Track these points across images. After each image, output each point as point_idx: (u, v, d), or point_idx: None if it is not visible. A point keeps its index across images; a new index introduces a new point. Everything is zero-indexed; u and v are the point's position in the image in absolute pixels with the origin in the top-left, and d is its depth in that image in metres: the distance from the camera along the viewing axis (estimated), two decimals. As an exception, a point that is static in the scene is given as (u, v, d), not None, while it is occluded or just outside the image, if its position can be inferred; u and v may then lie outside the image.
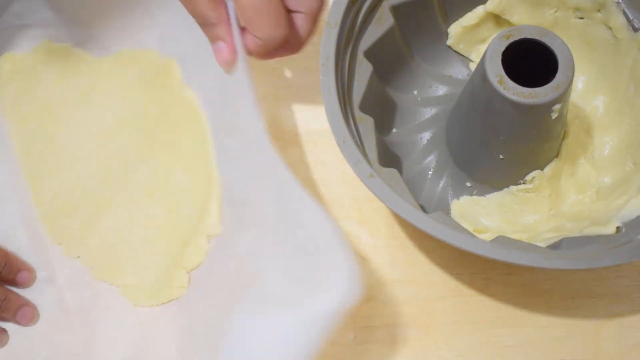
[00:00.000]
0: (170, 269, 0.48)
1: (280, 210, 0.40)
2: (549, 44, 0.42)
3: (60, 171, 0.52)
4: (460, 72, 0.54)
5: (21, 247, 0.49)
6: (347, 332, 0.47)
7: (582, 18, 0.50)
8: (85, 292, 0.48)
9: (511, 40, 0.43)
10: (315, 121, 0.54)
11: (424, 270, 0.49)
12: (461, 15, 0.52)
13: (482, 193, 0.50)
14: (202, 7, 0.39)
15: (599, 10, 0.49)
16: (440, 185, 0.50)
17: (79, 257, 0.49)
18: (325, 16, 0.45)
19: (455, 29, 0.52)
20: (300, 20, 0.41)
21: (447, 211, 0.49)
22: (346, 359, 0.47)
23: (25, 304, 0.47)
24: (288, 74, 0.56)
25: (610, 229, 0.43)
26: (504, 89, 0.42)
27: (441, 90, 0.53)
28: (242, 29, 0.40)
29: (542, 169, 0.48)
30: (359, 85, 0.46)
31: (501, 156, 0.46)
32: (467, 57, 0.54)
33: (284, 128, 0.54)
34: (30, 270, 0.48)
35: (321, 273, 0.37)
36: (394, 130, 0.51)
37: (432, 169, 0.51)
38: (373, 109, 0.47)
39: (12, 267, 0.47)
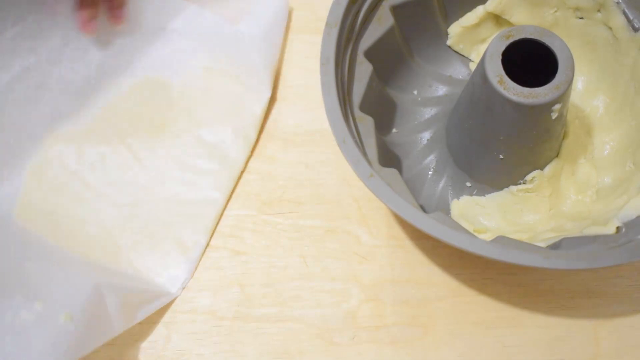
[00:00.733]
0: None
1: None
2: (549, 44, 0.42)
3: None
4: (460, 72, 0.54)
5: None
6: (347, 332, 0.47)
7: (582, 18, 0.50)
8: None
9: (511, 40, 0.43)
10: (315, 121, 0.54)
11: (424, 270, 0.49)
12: (461, 15, 0.52)
13: (482, 193, 0.50)
14: None
15: (599, 10, 0.49)
16: (440, 185, 0.50)
17: None
18: (325, 16, 0.45)
19: (455, 29, 0.52)
20: None
21: (447, 211, 0.49)
22: (346, 359, 0.47)
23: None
24: (288, 74, 0.56)
25: (610, 229, 0.43)
26: (504, 89, 0.42)
27: (441, 90, 0.53)
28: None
29: (542, 169, 0.48)
30: (359, 85, 0.46)
31: (501, 156, 0.46)
32: (467, 57, 0.54)
33: (284, 128, 0.54)
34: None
35: None
36: (394, 130, 0.51)
37: (432, 169, 0.51)
38: (373, 109, 0.47)
39: None
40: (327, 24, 0.45)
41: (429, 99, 0.53)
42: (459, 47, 0.53)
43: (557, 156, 0.49)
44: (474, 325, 0.47)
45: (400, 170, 0.49)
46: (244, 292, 0.49)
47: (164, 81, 0.55)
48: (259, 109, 0.54)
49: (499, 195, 0.49)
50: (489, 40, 0.45)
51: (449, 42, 0.53)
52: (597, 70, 0.51)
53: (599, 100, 0.51)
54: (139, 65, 0.56)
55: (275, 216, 0.51)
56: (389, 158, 0.49)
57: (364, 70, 0.47)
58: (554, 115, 0.43)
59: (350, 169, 0.41)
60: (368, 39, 0.48)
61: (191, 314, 0.48)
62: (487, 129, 0.46)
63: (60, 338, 0.42)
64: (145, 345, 0.47)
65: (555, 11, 0.51)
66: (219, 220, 0.51)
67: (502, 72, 0.42)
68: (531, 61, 0.43)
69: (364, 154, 0.43)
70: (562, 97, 0.42)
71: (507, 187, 0.49)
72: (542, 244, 0.43)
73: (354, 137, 0.43)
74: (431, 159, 0.51)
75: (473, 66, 0.53)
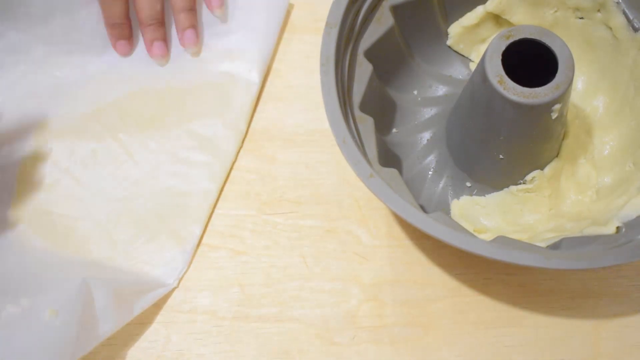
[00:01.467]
0: None
1: None
2: (549, 44, 0.42)
3: None
4: (460, 72, 0.54)
5: None
6: (347, 332, 0.47)
7: (582, 18, 0.50)
8: None
9: (511, 40, 0.43)
10: (315, 121, 0.54)
11: (424, 270, 0.49)
12: (461, 15, 0.52)
13: (482, 193, 0.50)
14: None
15: (599, 10, 0.49)
16: (440, 185, 0.50)
17: None
18: (325, 16, 0.45)
19: (455, 29, 0.52)
20: None
21: (447, 211, 0.49)
22: (346, 359, 0.47)
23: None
24: (288, 74, 0.56)
25: (610, 229, 0.43)
26: (504, 89, 0.42)
27: (441, 90, 0.53)
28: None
29: (542, 169, 0.48)
30: (359, 85, 0.46)
31: (501, 156, 0.46)
32: (467, 57, 0.54)
33: (284, 128, 0.54)
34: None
35: None
36: (394, 130, 0.51)
37: (432, 169, 0.51)
38: (373, 109, 0.47)
39: None
40: (327, 24, 0.45)
41: (429, 99, 0.53)
42: (459, 47, 0.53)
43: (557, 156, 0.49)
44: (473, 325, 0.47)
45: (400, 170, 0.49)
46: (244, 292, 0.49)
47: (152, 75, 0.56)
48: (249, 100, 0.54)
49: (499, 195, 0.49)
50: (489, 40, 0.45)
51: (449, 42, 0.53)
52: (597, 70, 0.51)
53: (599, 100, 0.51)
54: (125, 64, 0.56)
55: (275, 216, 0.51)
56: (389, 158, 0.49)
57: (364, 70, 0.47)
58: (554, 115, 0.43)
59: (350, 169, 0.41)
60: (368, 39, 0.48)
61: (191, 314, 0.48)
62: (487, 129, 0.46)
63: (45, 333, 0.42)
64: (145, 345, 0.47)
65: (555, 11, 0.51)
66: (213, 209, 0.51)
67: (502, 72, 0.42)
68: (531, 61, 0.43)
69: (364, 154, 0.43)
70: (562, 97, 0.42)
71: (507, 187, 0.49)
72: (542, 244, 0.43)
73: (354, 137, 0.43)
74: (431, 159, 0.51)
75: (473, 66, 0.53)
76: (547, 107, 0.42)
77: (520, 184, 0.48)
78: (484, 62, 0.43)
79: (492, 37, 0.44)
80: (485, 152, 0.47)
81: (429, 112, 0.52)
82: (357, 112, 0.45)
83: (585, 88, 0.51)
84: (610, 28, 0.49)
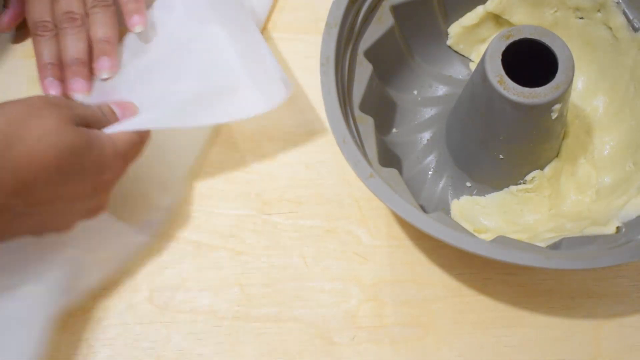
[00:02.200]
0: None
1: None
2: (549, 44, 0.42)
3: None
4: (460, 72, 0.54)
5: None
6: (347, 332, 0.47)
7: (582, 18, 0.50)
8: None
9: (511, 40, 0.43)
10: (315, 121, 0.54)
11: (424, 270, 0.49)
12: (461, 15, 0.52)
13: (482, 193, 0.50)
14: None
15: (599, 10, 0.49)
16: (440, 185, 0.50)
17: None
18: (325, 16, 0.45)
19: (455, 29, 0.52)
20: None
21: (447, 211, 0.49)
22: (346, 359, 0.47)
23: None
24: (288, 74, 0.56)
25: (610, 229, 0.43)
26: (504, 89, 0.42)
27: (441, 90, 0.53)
28: None
29: (542, 169, 0.48)
30: (359, 85, 0.46)
31: (501, 156, 0.46)
32: (467, 57, 0.54)
33: (284, 128, 0.54)
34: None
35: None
36: (394, 130, 0.51)
37: (432, 169, 0.51)
38: (373, 109, 0.47)
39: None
40: (327, 24, 0.45)
41: (429, 99, 0.53)
42: (459, 47, 0.53)
43: (557, 156, 0.49)
44: (473, 325, 0.47)
45: (400, 170, 0.49)
46: (244, 292, 0.49)
47: None
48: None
49: (499, 195, 0.49)
50: (489, 40, 0.45)
51: (449, 42, 0.53)
52: (597, 70, 0.51)
53: (599, 100, 0.51)
54: None
55: (275, 216, 0.51)
56: (389, 158, 0.49)
57: (364, 70, 0.47)
58: (554, 115, 0.43)
59: (350, 169, 0.41)
60: (368, 39, 0.48)
61: (191, 314, 0.48)
62: (487, 129, 0.46)
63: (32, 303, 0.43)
64: (145, 345, 0.47)
65: (555, 11, 0.51)
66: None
67: (502, 72, 0.42)
68: (531, 61, 0.43)
69: (364, 154, 0.43)
70: (562, 97, 0.42)
71: (507, 187, 0.49)
72: (542, 244, 0.43)
73: (354, 137, 0.43)
74: (431, 159, 0.51)
75: (473, 66, 0.53)
76: (547, 107, 0.42)
77: (520, 184, 0.48)
78: (484, 62, 0.43)
79: (492, 37, 0.44)
80: (485, 152, 0.47)
81: (429, 112, 0.52)
82: (357, 112, 0.45)
83: (585, 88, 0.51)
84: (610, 28, 0.49)
